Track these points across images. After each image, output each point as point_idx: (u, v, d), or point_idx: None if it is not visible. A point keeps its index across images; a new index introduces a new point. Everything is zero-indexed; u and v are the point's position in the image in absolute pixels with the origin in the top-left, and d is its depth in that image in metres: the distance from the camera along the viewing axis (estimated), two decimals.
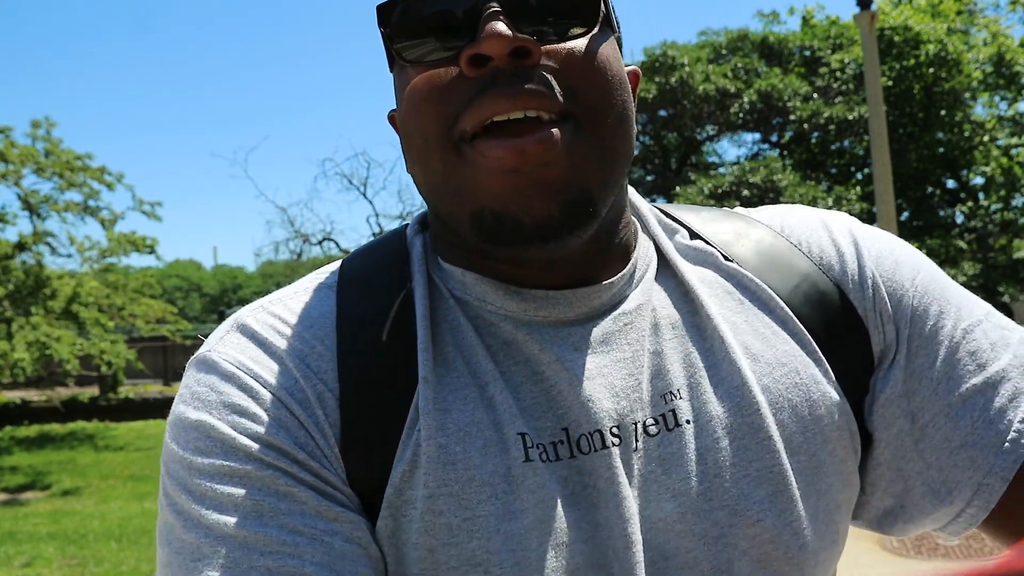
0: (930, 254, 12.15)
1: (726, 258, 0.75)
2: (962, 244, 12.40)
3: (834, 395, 0.70)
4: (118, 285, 15.50)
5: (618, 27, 0.70)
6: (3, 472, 12.05)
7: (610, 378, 0.67)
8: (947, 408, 0.70)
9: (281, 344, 0.66)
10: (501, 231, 0.63)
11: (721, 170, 14.02)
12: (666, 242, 0.75)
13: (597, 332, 0.68)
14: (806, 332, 0.72)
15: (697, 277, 0.74)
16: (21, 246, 13.80)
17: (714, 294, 0.73)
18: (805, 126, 13.38)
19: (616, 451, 0.65)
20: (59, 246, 15.47)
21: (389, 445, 0.64)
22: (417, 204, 17.28)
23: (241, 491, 0.61)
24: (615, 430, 0.65)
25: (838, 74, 13.44)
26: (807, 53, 14.18)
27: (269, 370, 0.64)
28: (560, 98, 0.61)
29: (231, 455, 0.61)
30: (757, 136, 14.81)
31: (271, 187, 65.45)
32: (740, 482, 0.66)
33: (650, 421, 0.67)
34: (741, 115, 13.31)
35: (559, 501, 0.63)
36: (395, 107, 0.72)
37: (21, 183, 14.08)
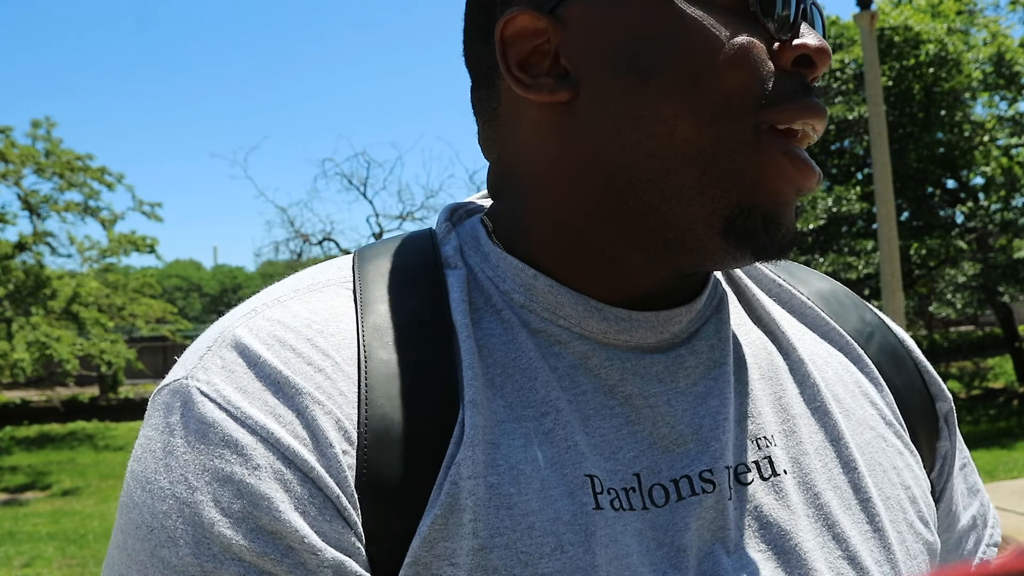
0: (930, 254, 12.15)
1: (801, 293, 0.70)
2: (962, 244, 12.39)
3: (914, 464, 0.66)
4: (118, 285, 15.52)
5: None
6: (3, 472, 12.04)
7: (697, 415, 0.57)
8: (946, 542, 0.70)
9: (282, 365, 0.51)
10: (756, 234, 0.55)
11: None
12: (740, 276, 0.68)
13: (682, 360, 0.59)
14: (889, 393, 0.67)
15: (782, 316, 0.67)
16: (21, 246, 13.81)
17: (802, 337, 0.66)
18: None
19: (708, 500, 0.55)
20: (59, 246, 15.49)
21: (422, 489, 0.50)
22: (417, 204, 17.29)
23: None
24: (706, 474, 0.56)
25: (838, 74, 13.45)
26: None
27: (264, 407, 0.49)
28: None
29: (203, 550, 0.47)
30: None
31: (271, 187, 65.37)
32: (846, 544, 0.58)
33: (742, 468, 0.58)
34: None
35: (636, 558, 0.52)
36: (525, 10, 0.57)
37: (21, 183, 14.09)
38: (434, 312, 0.56)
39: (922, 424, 0.68)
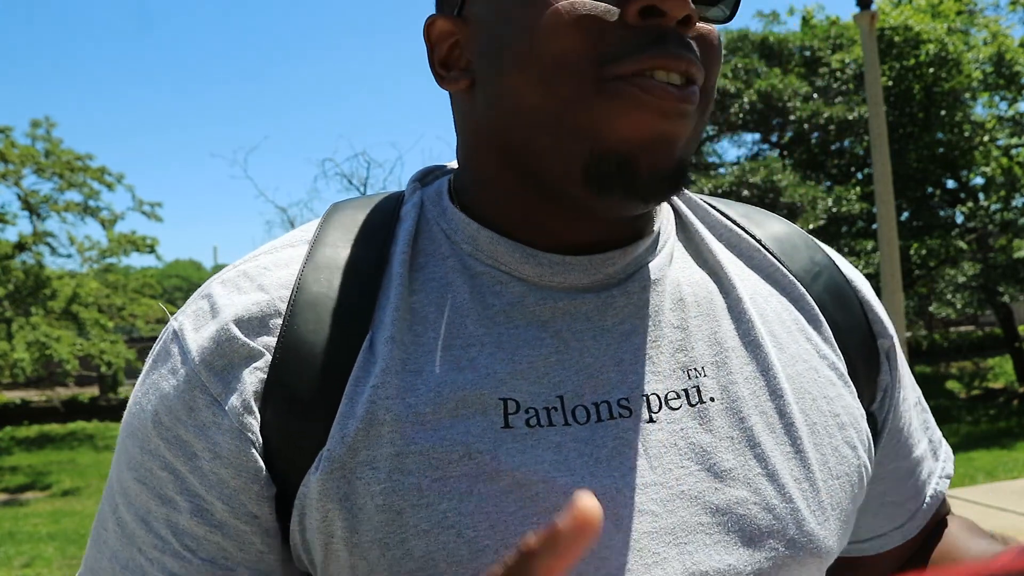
0: (930, 254, 12.15)
1: (753, 237, 0.75)
2: (962, 244, 12.38)
3: (849, 397, 0.72)
4: (118, 285, 15.51)
5: None
6: (3, 472, 12.04)
7: (620, 350, 0.65)
8: (897, 469, 0.78)
9: (227, 305, 0.64)
10: (615, 180, 0.60)
11: (721, 170, 14.01)
12: (695, 222, 0.74)
13: (613, 300, 0.66)
14: (828, 329, 0.73)
15: (729, 260, 0.73)
16: (21, 246, 13.80)
17: (745, 279, 0.72)
18: (805, 126, 13.38)
19: (625, 423, 0.63)
20: (59, 246, 15.49)
21: (327, 403, 0.61)
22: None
23: (136, 482, 0.62)
24: (624, 402, 0.63)
25: (838, 74, 13.45)
26: (807, 53, 14.18)
27: (200, 341, 0.62)
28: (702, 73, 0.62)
29: (145, 446, 0.63)
30: (757, 136, 14.81)
31: (271, 187, 65.43)
32: (766, 462, 0.65)
33: (672, 395, 0.65)
34: (741, 115, 13.31)
35: (547, 467, 0.60)
36: (438, 15, 0.68)
37: (21, 183, 14.08)
38: (376, 259, 0.66)
39: (861, 358, 0.74)
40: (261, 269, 0.66)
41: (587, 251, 0.66)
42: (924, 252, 12.04)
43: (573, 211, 0.64)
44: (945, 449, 0.83)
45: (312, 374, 0.61)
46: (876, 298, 0.78)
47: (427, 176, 0.76)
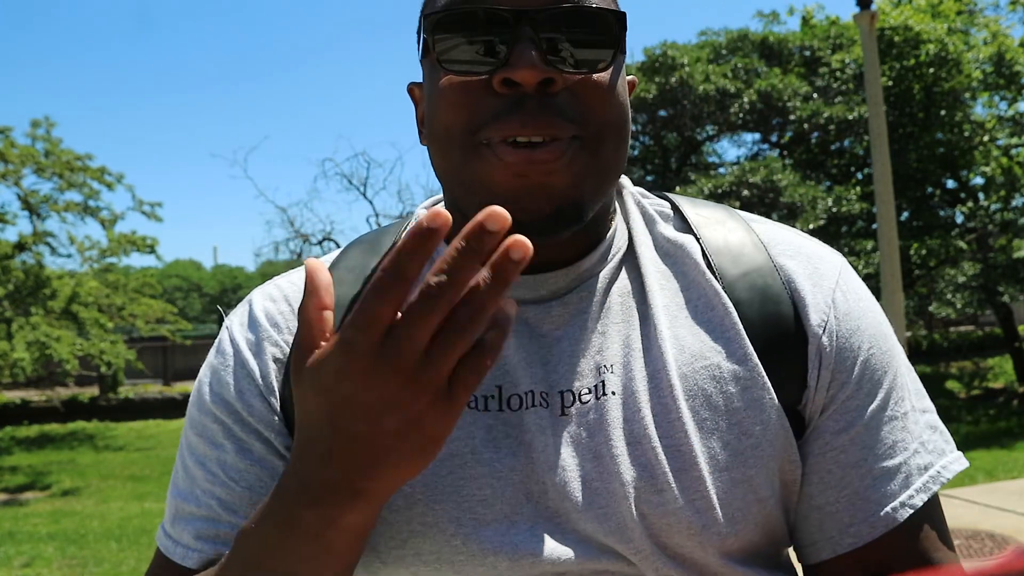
0: (930, 254, 12.12)
1: (704, 253, 0.82)
2: (962, 244, 12.36)
3: (758, 392, 0.76)
4: (118, 285, 15.50)
5: (625, 47, 0.78)
6: (3, 472, 12.04)
7: (549, 352, 0.78)
8: (829, 475, 0.78)
9: (260, 312, 0.84)
10: None
11: (721, 170, 14.00)
12: (640, 234, 0.84)
13: (551, 310, 0.79)
14: (740, 327, 0.78)
15: (657, 269, 0.82)
16: (21, 246, 13.80)
17: (666, 287, 0.81)
18: (805, 126, 13.35)
19: (543, 412, 0.75)
20: (59, 246, 15.47)
21: None
22: (417, 204, 17.24)
23: (196, 436, 0.82)
24: (544, 395, 0.76)
25: (838, 74, 13.43)
26: (807, 53, 14.16)
27: (244, 335, 0.83)
28: (572, 124, 0.72)
29: (201, 408, 0.83)
30: (757, 136, 14.79)
31: (271, 187, 65.39)
32: (649, 453, 0.74)
33: (585, 391, 0.76)
34: (741, 115, 13.29)
35: (477, 442, 0.75)
36: (417, 82, 0.84)
37: (21, 183, 14.08)
38: (376, 270, 0.83)
39: (782, 358, 0.78)
40: (288, 283, 0.86)
41: (541, 268, 0.79)
42: (924, 252, 12.02)
43: None
44: (922, 482, 0.77)
45: None
46: (824, 301, 0.79)
47: (435, 204, 0.90)
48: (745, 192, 12.03)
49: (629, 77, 0.83)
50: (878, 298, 9.02)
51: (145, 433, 15.52)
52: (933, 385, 15.02)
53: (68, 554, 7.19)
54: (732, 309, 0.78)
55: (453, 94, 0.73)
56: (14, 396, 18.78)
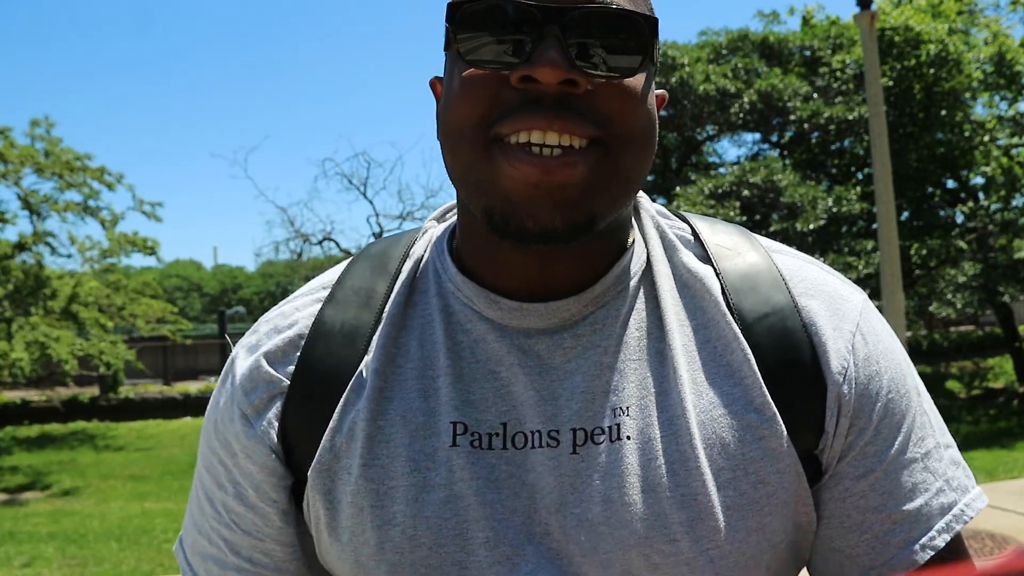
0: (930, 254, 12.12)
1: (723, 289, 0.78)
2: (962, 244, 12.36)
3: (776, 442, 0.73)
4: (118, 285, 15.50)
5: (658, 56, 0.75)
6: (3, 472, 12.04)
7: (560, 386, 0.74)
8: (848, 519, 0.76)
9: (263, 344, 0.81)
10: (507, 228, 0.70)
11: (721, 170, 13.99)
12: (659, 262, 0.80)
13: (562, 342, 0.76)
14: (759, 374, 0.74)
15: (675, 302, 0.78)
16: (21, 246, 13.80)
17: (684, 324, 0.78)
18: (805, 126, 13.35)
19: (551, 452, 0.73)
20: (59, 246, 15.45)
21: (323, 420, 0.77)
22: (417, 204, 17.27)
23: (205, 470, 0.83)
24: (553, 433, 0.73)
25: (838, 74, 13.42)
26: (807, 53, 14.15)
27: (242, 370, 0.81)
28: (593, 127, 0.69)
29: (205, 443, 0.83)
30: (757, 136, 14.78)
31: (271, 187, 65.27)
32: (664, 502, 0.71)
33: (599, 431, 0.73)
34: (741, 115, 13.28)
35: (480, 483, 0.73)
36: (440, 76, 0.80)
37: (21, 183, 14.07)
38: (385, 292, 0.81)
39: (801, 403, 0.75)
40: (293, 310, 0.83)
41: (552, 293, 0.76)
42: (924, 252, 12.02)
43: (522, 253, 0.74)
44: (952, 516, 0.76)
45: (319, 394, 0.78)
46: (844, 347, 0.76)
47: (446, 214, 0.89)
48: (745, 192, 12.03)
49: (659, 91, 0.80)
50: (878, 298, 9.03)
51: (145, 433, 15.52)
52: (933, 385, 15.02)
53: (68, 554, 7.19)
54: (751, 355, 0.75)
55: (470, 86, 0.70)
56: (14, 396, 18.77)
